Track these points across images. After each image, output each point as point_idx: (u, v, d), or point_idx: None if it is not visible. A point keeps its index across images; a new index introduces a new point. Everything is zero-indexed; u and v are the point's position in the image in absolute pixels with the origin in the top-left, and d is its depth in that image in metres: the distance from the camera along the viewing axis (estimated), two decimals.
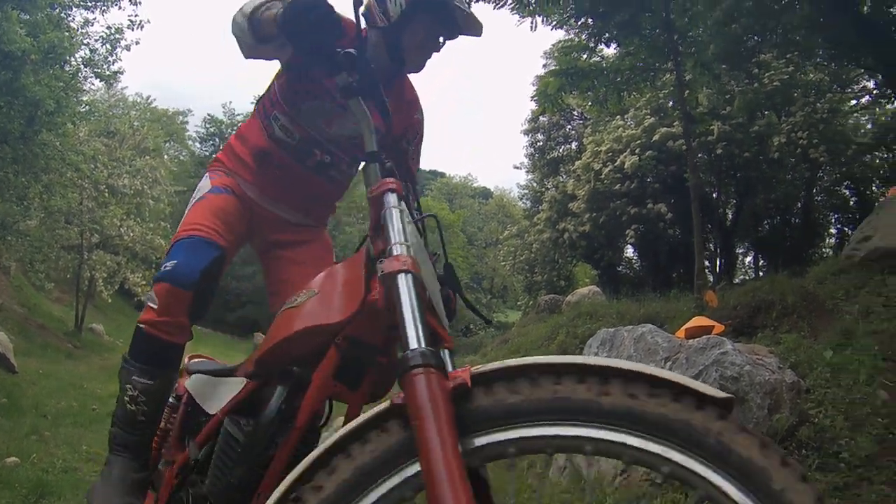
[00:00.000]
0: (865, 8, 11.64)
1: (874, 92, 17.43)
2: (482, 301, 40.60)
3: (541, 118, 24.66)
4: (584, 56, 11.13)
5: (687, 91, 12.14)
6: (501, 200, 52.10)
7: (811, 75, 17.05)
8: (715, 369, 4.89)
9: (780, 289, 9.76)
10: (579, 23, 10.82)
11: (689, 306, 10.86)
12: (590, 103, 12.96)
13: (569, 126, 25.31)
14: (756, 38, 13.64)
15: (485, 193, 64.50)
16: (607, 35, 10.84)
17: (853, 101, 18.53)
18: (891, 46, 12.08)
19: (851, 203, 20.38)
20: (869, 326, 7.31)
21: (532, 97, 11.58)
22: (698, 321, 5.98)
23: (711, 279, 18.16)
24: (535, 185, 25.96)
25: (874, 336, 6.94)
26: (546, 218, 23.03)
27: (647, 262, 22.33)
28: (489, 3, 10.23)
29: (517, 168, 57.25)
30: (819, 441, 4.85)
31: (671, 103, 16.71)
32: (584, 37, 11.23)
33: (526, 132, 25.77)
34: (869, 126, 18.48)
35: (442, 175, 70.35)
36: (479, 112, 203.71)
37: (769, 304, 9.49)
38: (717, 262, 20.63)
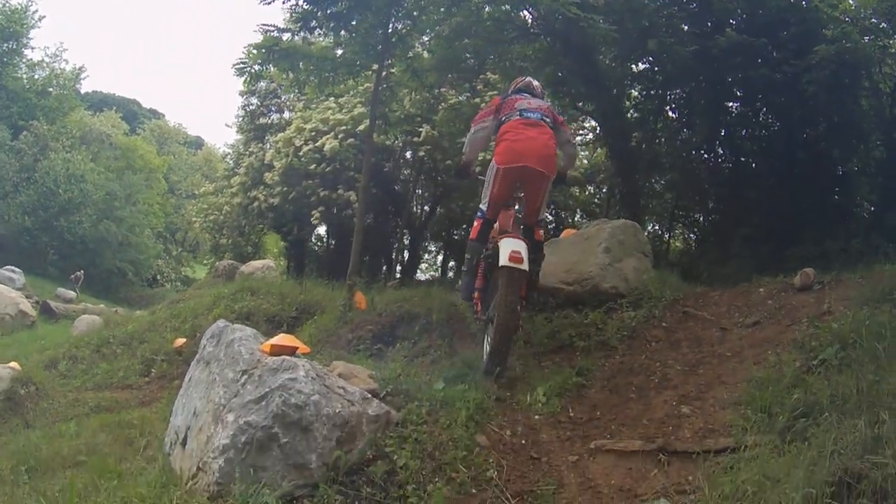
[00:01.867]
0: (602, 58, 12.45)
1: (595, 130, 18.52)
2: (172, 253, 39.15)
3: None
4: (287, 37, 10.69)
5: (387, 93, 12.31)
6: (209, 154, 50.03)
7: None
8: (279, 394, 4.78)
9: (429, 303, 10.09)
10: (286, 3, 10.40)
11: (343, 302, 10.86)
12: (289, 84, 12.63)
13: (284, 97, 24.73)
14: (473, 60, 14.25)
15: (198, 143, 61.77)
16: (314, 23, 10.53)
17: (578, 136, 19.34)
18: (608, 97, 13.19)
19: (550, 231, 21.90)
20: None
21: (233, 65, 10.86)
22: (284, 339, 5.76)
23: (395, 275, 18.84)
24: (240, 147, 25.01)
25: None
26: (240, 183, 22.37)
27: (339, 244, 22.48)
28: None
29: (228, 127, 55.39)
30: (387, 482, 4.80)
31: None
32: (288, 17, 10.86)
33: (242, 93, 24.84)
34: (585, 161, 19.58)
35: (161, 116, 66.66)
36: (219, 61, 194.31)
37: (414, 316, 9.77)
38: (403, 257, 21.39)
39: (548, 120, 6.75)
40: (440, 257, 25.37)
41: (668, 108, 15.46)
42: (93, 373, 11.42)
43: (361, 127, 17.69)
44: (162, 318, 14.20)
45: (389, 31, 11.04)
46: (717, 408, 5.78)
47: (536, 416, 6.30)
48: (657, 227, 17.60)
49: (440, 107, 16.60)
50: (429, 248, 24.44)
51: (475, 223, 7.12)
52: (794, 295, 8.00)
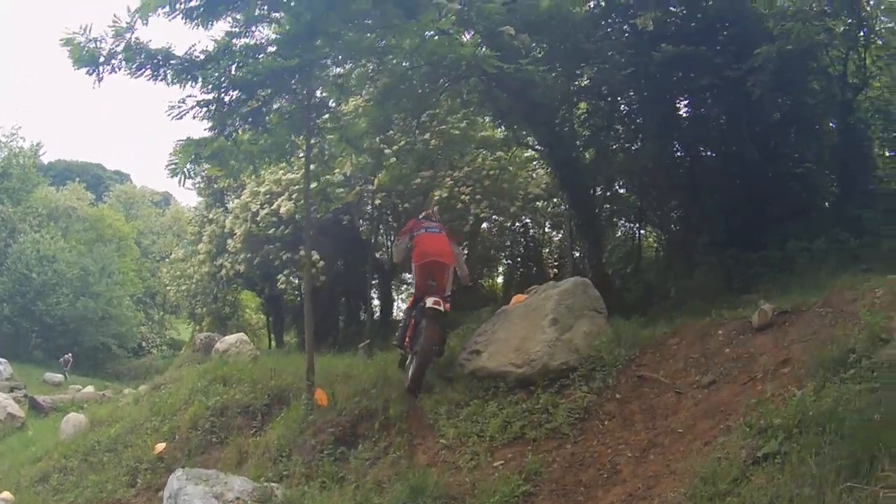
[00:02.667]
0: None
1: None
2: (155, 318, 38.94)
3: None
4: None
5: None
6: (178, 212, 49.77)
7: (484, 132, 17.97)
8: None
9: (388, 393, 9.92)
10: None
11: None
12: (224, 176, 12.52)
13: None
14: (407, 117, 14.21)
15: (166, 199, 61.56)
16: (229, 130, 10.35)
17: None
18: (550, 129, 13.12)
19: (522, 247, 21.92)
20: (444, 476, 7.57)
21: (165, 165, 10.72)
22: None
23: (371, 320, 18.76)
24: (203, 210, 24.86)
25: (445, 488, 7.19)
26: (206, 251, 22.22)
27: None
28: None
29: (189, 189, 54.95)
30: None
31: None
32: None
33: None
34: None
35: (126, 177, 66.59)
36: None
37: (373, 412, 9.59)
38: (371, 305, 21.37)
39: (443, 233, 9.94)
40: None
41: (616, 125, 15.35)
42: (83, 485, 11.30)
43: (314, 184, 17.50)
44: (143, 415, 14.06)
45: (312, 113, 10.92)
46: None
47: None
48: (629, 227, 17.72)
49: (385, 163, 16.41)
50: (404, 287, 24.33)
51: (409, 300, 10.43)
52: (753, 337, 7.91)
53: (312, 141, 11.70)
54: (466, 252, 13.16)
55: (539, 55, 11.95)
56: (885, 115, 14.12)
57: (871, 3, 13.08)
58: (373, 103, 12.84)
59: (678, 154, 15.05)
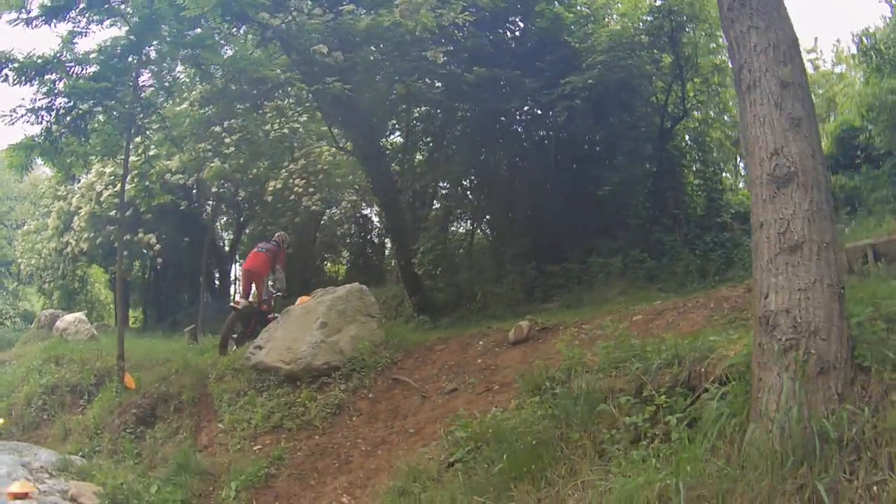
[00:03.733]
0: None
1: None
2: (9, 287, 37.53)
3: None
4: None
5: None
6: (35, 180, 47.66)
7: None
8: None
9: (184, 379, 10.97)
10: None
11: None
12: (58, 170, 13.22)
13: None
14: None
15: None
16: (54, 136, 11.13)
17: None
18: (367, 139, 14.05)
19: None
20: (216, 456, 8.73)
21: (4, 156, 11.43)
22: (24, 486, 6.77)
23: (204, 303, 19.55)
24: (55, 184, 24.66)
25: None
26: (54, 227, 22.29)
27: (156, 280, 22.98)
28: None
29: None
30: None
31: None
32: None
33: None
34: None
35: None
36: None
37: (170, 396, 10.65)
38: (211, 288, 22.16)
39: (268, 252, 12.70)
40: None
41: (428, 139, 16.52)
42: None
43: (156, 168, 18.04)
44: None
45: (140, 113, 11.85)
46: (371, 498, 6.85)
47: None
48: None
49: (225, 151, 17.15)
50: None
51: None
52: (506, 351, 9.11)
53: (139, 139, 12.57)
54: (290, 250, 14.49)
55: (358, 70, 12.77)
56: (700, 145, 15.82)
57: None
58: (196, 107, 13.67)
59: (494, 168, 16.34)
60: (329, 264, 23.98)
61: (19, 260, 27.11)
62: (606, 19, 14.03)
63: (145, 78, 11.88)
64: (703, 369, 5.29)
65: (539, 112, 14.35)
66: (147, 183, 14.23)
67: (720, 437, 4.24)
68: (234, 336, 12.45)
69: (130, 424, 10.23)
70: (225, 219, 22.52)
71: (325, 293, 10.89)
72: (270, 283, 12.67)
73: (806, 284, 4.28)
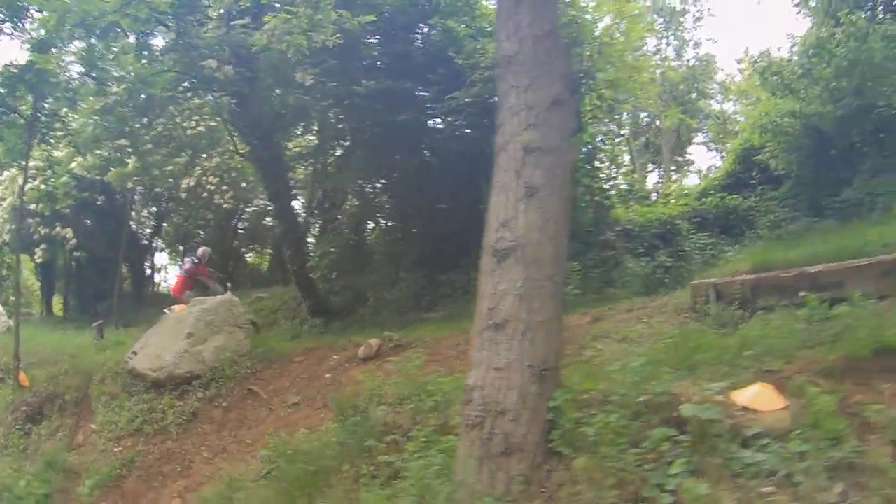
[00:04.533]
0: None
1: None
2: None
3: None
4: None
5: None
6: None
7: None
8: None
9: (69, 382, 11.31)
10: None
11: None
12: None
13: None
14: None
15: None
16: None
17: None
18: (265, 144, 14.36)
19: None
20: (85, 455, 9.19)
21: None
22: None
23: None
24: None
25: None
26: None
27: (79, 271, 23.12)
28: None
29: None
30: None
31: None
32: None
33: None
34: None
35: None
36: None
37: (56, 396, 11.05)
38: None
39: (186, 273, 13.50)
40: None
41: (333, 144, 16.90)
42: None
43: (73, 164, 18.13)
44: None
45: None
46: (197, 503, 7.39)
47: None
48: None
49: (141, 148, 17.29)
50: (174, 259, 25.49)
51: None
52: (355, 367, 9.51)
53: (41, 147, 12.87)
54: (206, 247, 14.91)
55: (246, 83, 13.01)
56: (590, 160, 15.84)
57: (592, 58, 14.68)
58: (98, 116, 13.88)
59: (394, 176, 16.68)
60: (252, 256, 24.31)
61: None
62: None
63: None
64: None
65: (429, 124, 14.61)
66: (48, 187, 14.33)
67: (427, 490, 4.51)
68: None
69: (20, 421, 10.75)
70: (144, 212, 22.63)
71: (197, 304, 11.36)
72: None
73: (504, 363, 4.35)
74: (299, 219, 16.30)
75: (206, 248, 14.46)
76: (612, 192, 16.81)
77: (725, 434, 4.01)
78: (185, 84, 13.69)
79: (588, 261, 14.08)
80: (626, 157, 27.95)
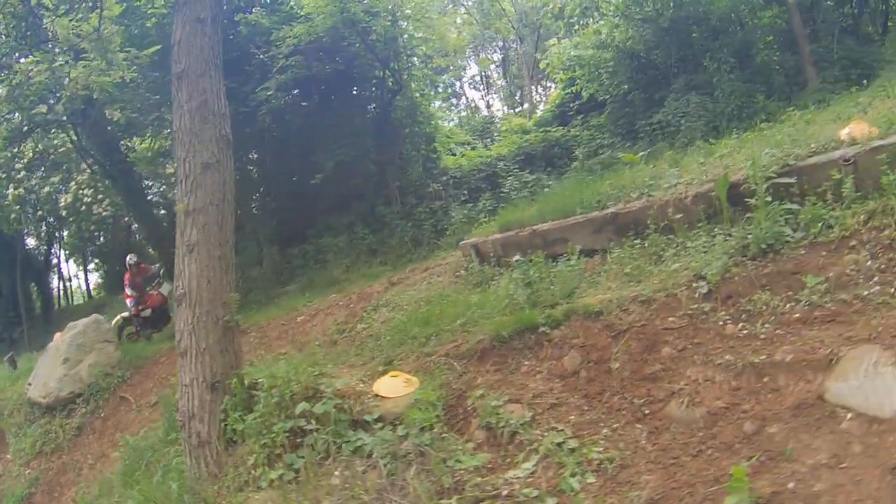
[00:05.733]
0: None
1: None
2: None
3: None
4: None
5: None
6: None
7: None
8: None
9: None
10: None
11: None
12: None
13: None
14: None
15: None
16: None
17: None
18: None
19: None
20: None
21: None
22: None
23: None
24: None
25: None
26: None
27: None
28: None
29: None
30: None
31: None
32: None
33: None
34: None
35: None
36: None
37: None
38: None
39: (127, 281, 14.12)
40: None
41: None
42: None
43: None
44: None
45: None
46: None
47: None
48: None
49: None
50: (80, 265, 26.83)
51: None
52: None
53: None
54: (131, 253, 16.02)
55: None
56: (413, 116, 16.67)
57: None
58: None
59: (242, 160, 17.53)
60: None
61: None
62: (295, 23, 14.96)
63: None
64: None
65: (251, 112, 15.30)
66: None
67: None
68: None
69: None
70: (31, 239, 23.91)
71: (69, 329, 12.79)
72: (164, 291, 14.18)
73: (189, 380, 5.92)
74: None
75: (131, 254, 15.26)
76: (436, 144, 17.40)
77: (344, 420, 5.41)
78: (25, 128, 14.78)
79: (419, 213, 15.15)
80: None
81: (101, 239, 24.60)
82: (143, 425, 9.73)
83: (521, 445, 4.83)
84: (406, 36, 16.18)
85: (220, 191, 6.47)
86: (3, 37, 13.10)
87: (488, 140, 20.54)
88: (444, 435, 5.05)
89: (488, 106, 33.92)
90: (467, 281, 8.92)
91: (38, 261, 24.63)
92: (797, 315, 4.93)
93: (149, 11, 14.00)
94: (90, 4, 10.86)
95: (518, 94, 31.74)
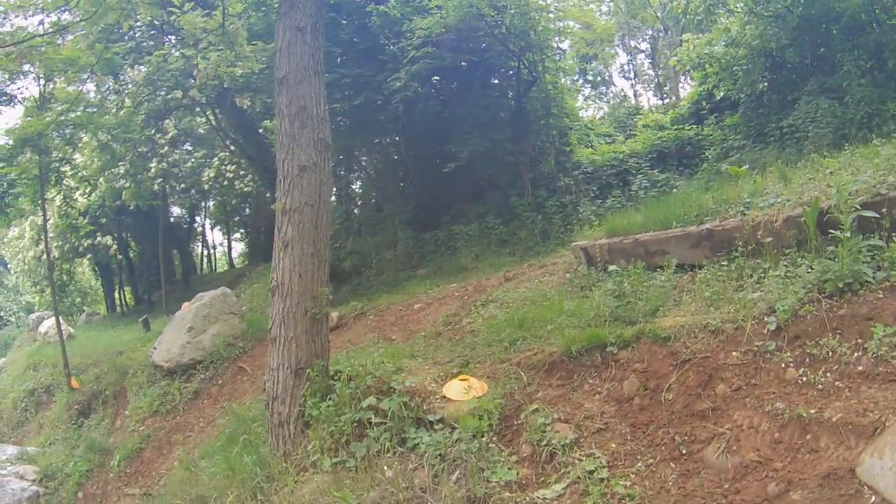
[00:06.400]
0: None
1: None
2: (8, 285, 38.05)
3: None
4: None
5: None
6: None
7: None
8: None
9: (109, 379, 14.19)
10: None
11: None
12: None
13: None
14: None
15: None
16: None
17: None
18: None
19: None
20: (118, 437, 12.12)
21: None
22: None
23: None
24: None
25: None
26: (30, 237, 25.45)
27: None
28: None
29: None
30: None
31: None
32: None
33: None
34: None
35: None
36: None
37: (99, 393, 13.96)
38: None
39: None
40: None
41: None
42: None
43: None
44: None
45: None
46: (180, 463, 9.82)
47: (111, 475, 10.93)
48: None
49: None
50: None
51: None
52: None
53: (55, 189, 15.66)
54: None
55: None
56: (547, 108, 16.38)
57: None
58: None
59: (382, 145, 18.64)
60: None
61: (10, 265, 30.13)
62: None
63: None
64: None
65: (385, 100, 15.67)
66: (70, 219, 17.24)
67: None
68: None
69: (73, 417, 13.67)
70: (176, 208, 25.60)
71: (197, 300, 13.75)
72: None
73: (276, 365, 6.50)
74: None
75: None
76: (569, 137, 17.17)
77: (410, 417, 5.82)
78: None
79: (550, 207, 15.01)
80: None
81: (247, 210, 26.03)
82: (255, 395, 10.28)
83: (558, 466, 5.00)
84: (540, 28, 16.01)
85: (316, 192, 6.93)
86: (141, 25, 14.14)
87: (631, 132, 19.96)
88: (491, 444, 5.24)
89: (636, 96, 32.79)
90: (572, 284, 8.94)
91: (182, 229, 26.33)
92: (861, 367, 4.59)
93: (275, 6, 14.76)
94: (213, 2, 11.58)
95: (667, 85, 30.85)
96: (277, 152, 7.16)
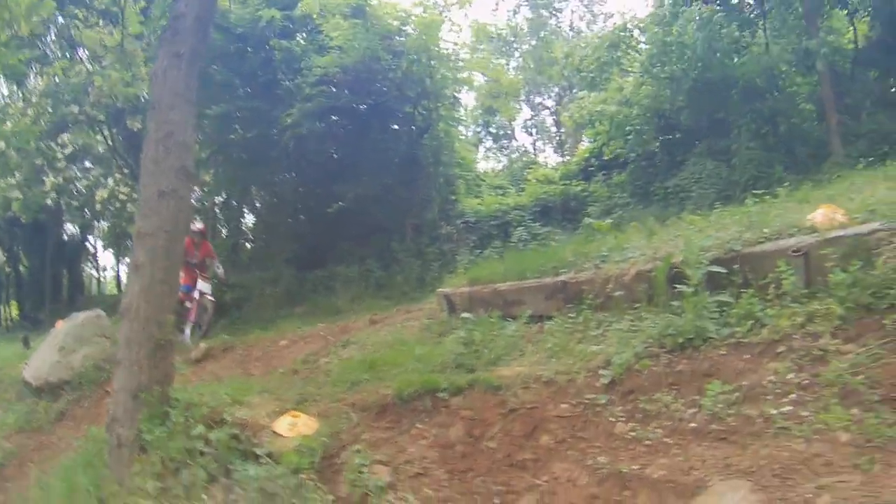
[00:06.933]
0: None
1: None
2: None
3: None
4: None
5: None
6: None
7: None
8: None
9: None
10: None
11: None
12: None
13: None
14: None
15: None
16: None
17: None
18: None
19: None
20: None
21: None
22: None
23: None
24: None
25: None
26: None
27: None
28: None
29: None
30: None
31: None
32: None
33: None
34: None
35: None
36: None
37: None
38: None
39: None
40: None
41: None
42: None
43: None
44: None
45: None
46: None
47: None
48: None
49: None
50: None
51: None
52: (186, 367, 11.28)
53: None
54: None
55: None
56: (437, 156, 17.00)
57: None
58: None
59: (271, 181, 18.74)
60: None
61: None
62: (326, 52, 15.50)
63: None
64: None
65: (277, 135, 16.14)
66: None
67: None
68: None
69: None
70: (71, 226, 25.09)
71: (70, 319, 13.52)
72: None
73: (119, 387, 6.56)
74: None
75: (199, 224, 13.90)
76: (456, 186, 17.74)
77: (238, 449, 5.79)
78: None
79: (430, 253, 15.47)
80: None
81: None
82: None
83: None
84: (438, 76, 16.47)
85: (173, 218, 6.95)
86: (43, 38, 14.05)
87: (522, 186, 20.49)
88: (309, 482, 5.22)
89: (535, 151, 34.03)
90: (431, 330, 8.97)
91: (73, 248, 25.76)
92: (693, 424, 4.57)
93: None
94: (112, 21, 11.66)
95: (568, 142, 31.88)
96: (141, 176, 7.22)
